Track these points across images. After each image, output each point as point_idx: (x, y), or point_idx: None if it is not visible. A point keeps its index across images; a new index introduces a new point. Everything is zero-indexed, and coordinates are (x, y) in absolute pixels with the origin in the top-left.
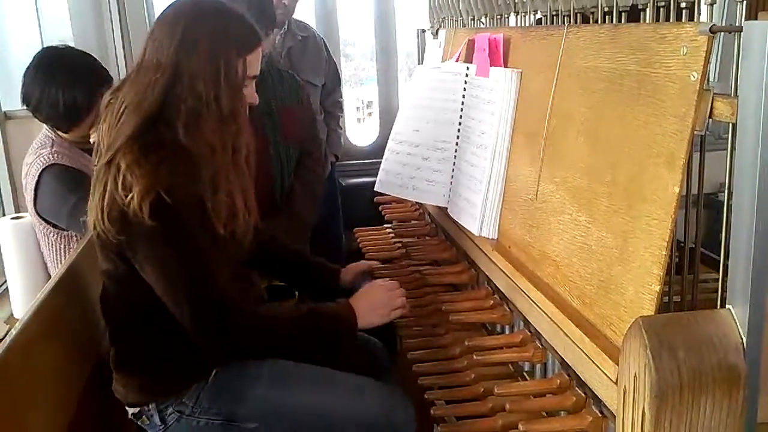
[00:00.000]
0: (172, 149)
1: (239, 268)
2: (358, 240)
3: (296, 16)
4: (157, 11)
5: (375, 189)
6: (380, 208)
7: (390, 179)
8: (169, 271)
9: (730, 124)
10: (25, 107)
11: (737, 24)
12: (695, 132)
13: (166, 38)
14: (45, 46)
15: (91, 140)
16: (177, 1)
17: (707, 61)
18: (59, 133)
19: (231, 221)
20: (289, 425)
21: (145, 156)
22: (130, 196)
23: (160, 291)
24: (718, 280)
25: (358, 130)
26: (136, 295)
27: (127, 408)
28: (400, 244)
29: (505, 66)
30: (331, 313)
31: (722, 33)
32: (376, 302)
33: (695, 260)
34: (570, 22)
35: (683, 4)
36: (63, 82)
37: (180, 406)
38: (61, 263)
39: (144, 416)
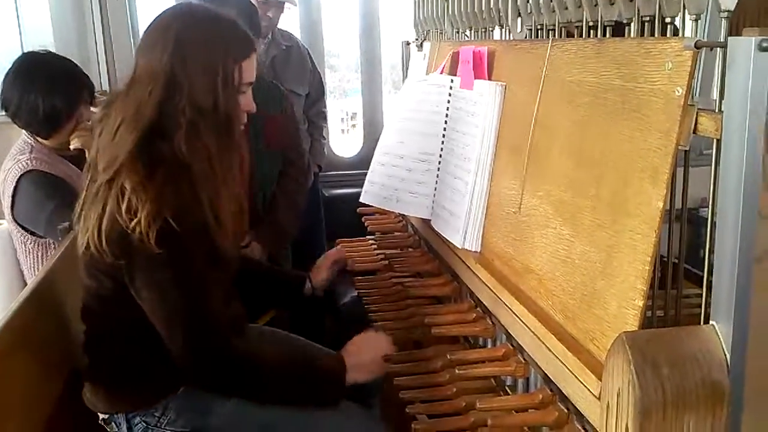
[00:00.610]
0: (174, 166)
1: (229, 286)
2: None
3: (281, 25)
4: (141, 17)
5: (360, 200)
6: (363, 219)
7: (375, 190)
8: (167, 299)
9: (714, 140)
10: (3, 113)
11: (720, 39)
12: (679, 147)
13: (158, 48)
14: (25, 51)
15: (71, 146)
16: (165, 11)
17: (692, 76)
18: (38, 139)
19: (233, 236)
20: None
21: (149, 177)
22: (135, 220)
23: (154, 316)
24: (700, 295)
25: (342, 141)
26: (116, 313)
27: (97, 413)
28: (383, 256)
29: (490, 79)
30: (321, 364)
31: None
32: (365, 360)
33: (678, 275)
34: (555, 36)
35: (667, 20)
36: (43, 88)
37: (147, 416)
38: (38, 270)
39: (113, 423)
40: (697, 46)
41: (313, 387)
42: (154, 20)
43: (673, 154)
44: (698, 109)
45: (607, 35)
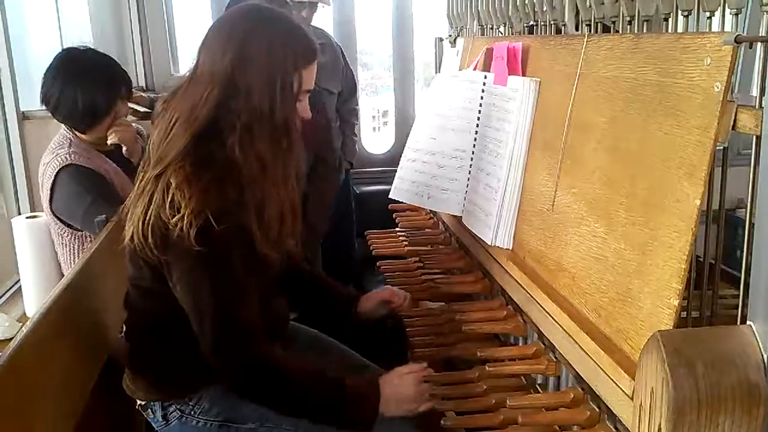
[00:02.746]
0: (223, 168)
1: (271, 287)
2: (370, 244)
3: (314, 23)
4: (177, 14)
5: (390, 196)
6: (394, 215)
7: (405, 187)
8: (199, 297)
9: (754, 137)
10: (44, 107)
11: (762, 34)
12: (718, 144)
13: (220, 49)
14: (65, 47)
15: (108, 141)
16: (232, 10)
17: (731, 71)
18: (77, 133)
19: (277, 241)
20: (289, 428)
21: (196, 175)
22: (177, 216)
23: (188, 312)
24: (736, 296)
25: (374, 138)
26: (157, 305)
27: (135, 399)
28: (413, 252)
29: (524, 75)
30: (355, 388)
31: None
32: (405, 395)
33: (715, 275)
34: (590, 31)
35: (707, 14)
36: (82, 83)
37: (182, 405)
38: (74, 263)
39: (149, 410)
40: (738, 41)
41: (340, 409)
42: (220, 19)
43: (711, 150)
44: (738, 105)
45: (644, 30)
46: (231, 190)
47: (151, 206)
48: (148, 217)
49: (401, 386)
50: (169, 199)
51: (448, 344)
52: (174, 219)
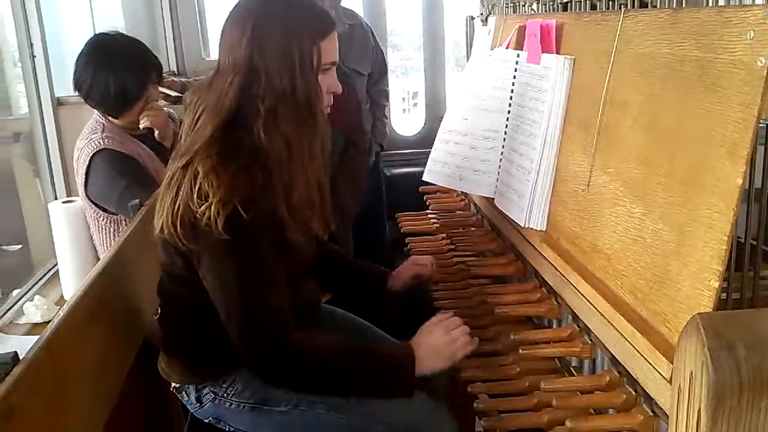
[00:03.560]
0: (250, 155)
1: (302, 272)
2: (400, 226)
3: (344, 3)
4: (208, 0)
5: (423, 178)
6: (425, 197)
7: (438, 169)
8: (227, 287)
9: None
10: (77, 93)
11: None
12: (761, 121)
13: (236, 36)
14: (96, 33)
15: (140, 126)
16: None
17: None
18: (110, 118)
19: (307, 225)
20: (322, 411)
21: (223, 164)
22: (205, 205)
23: (215, 301)
24: None
25: (404, 120)
26: (188, 292)
27: (170, 382)
28: (444, 235)
29: (558, 53)
30: (386, 354)
31: None
32: (438, 345)
33: (757, 256)
34: (627, 6)
35: None
36: (114, 68)
37: (216, 387)
38: (110, 246)
39: (184, 392)
40: None
41: (378, 379)
42: (233, 9)
43: (754, 128)
44: None
45: (683, 4)
46: (259, 177)
47: (179, 196)
48: (176, 208)
49: (432, 339)
50: (197, 188)
51: (481, 327)
52: (202, 208)
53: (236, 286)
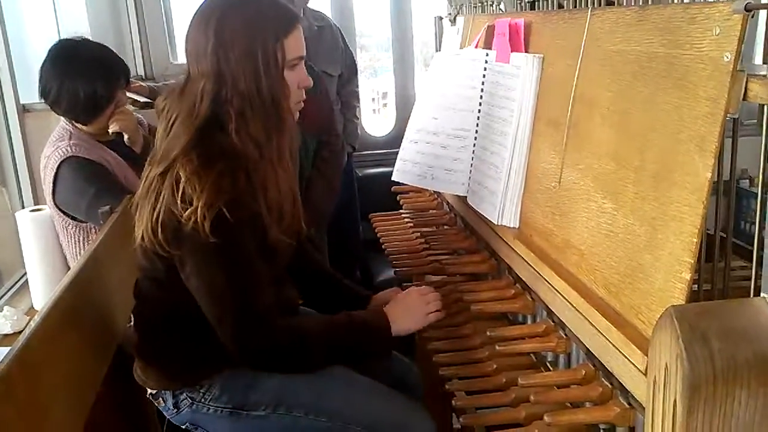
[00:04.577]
0: (231, 158)
1: (282, 273)
2: (374, 227)
3: (312, 5)
4: (174, 3)
5: (393, 178)
6: (398, 197)
7: (408, 168)
8: (215, 288)
9: (766, 107)
10: (43, 101)
11: None
12: (728, 115)
13: (201, 43)
14: (58, 39)
15: (110, 130)
16: (202, 3)
17: (741, 41)
18: (77, 125)
19: (285, 225)
20: (300, 415)
21: (204, 167)
22: (190, 209)
23: (203, 304)
24: (745, 267)
25: (374, 120)
26: (167, 296)
27: (146, 388)
28: (418, 234)
29: (526, 51)
30: (362, 320)
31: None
32: (409, 307)
33: (726, 248)
34: (594, 4)
35: None
36: (82, 75)
37: (193, 392)
38: (79, 255)
39: (160, 398)
40: (748, 9)
41: (361, 343)
42: (195, 14)
43: (721, 122)
44: (748, 74)
45: (650, 2)
46: (241, 179)
47: (159, 203)
48: (156, 214)
49: (406, 302)
50: (180, 193)
51: (457, 324)
52: (187, 213)
53: (225, 286)
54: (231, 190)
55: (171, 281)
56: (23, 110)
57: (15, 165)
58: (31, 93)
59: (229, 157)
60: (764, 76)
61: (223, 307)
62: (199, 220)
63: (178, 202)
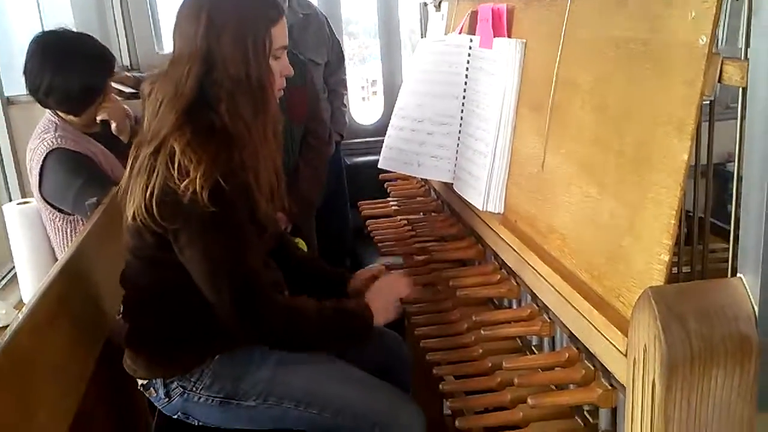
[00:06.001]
0: (224, 136)
1: (267, 258)
2: (362, 214)
3: None
4: None
5: (379, 166)
6: (386, 185)
7: (394, 156)
8: (212, 258)
9: (740, 89)
10: (30, 95)
11: None
12: (704, 98)
13: (192, 27)
14: (40, 32)
15: (98, 118)
16: None
17: (716, 24)
18: (63, 116)
19: (268, 198)
20: (290, 406)
21: (199, 140)
22: (188, 180)
23: (199, 276)
24: (727, 249)
25: (363, 108)
26: (160, 273)
27: (137, 379)
28: (405, 221)
29: (509, 37)
30: (351, 311)
31: None
32: (387, 298)
33: (705, 230)
34: None
35: None
36: (74, 68)
37: (184, 381)
38: (67, 247)
39: (151, 388)
40: None
41: (346, 330)
42: (184, 1)
43: (698, 104)
44: (723, 57)
45: None
46: (236, 156)
47: (152, 180)
48: (150, 191)
49: (382, 294)
50: (176, 166)
51: (444, 310)
52: (184, 183)
53: (222, 255)
54: (226, 161)
55: (160, 258)
56: (8, 102)
57: (1, 158)
58: (15, 85)
59: (222, 136)
60: (739, 59)
61: (220, 276)
62: (197, 189)
63: (175, 174)
